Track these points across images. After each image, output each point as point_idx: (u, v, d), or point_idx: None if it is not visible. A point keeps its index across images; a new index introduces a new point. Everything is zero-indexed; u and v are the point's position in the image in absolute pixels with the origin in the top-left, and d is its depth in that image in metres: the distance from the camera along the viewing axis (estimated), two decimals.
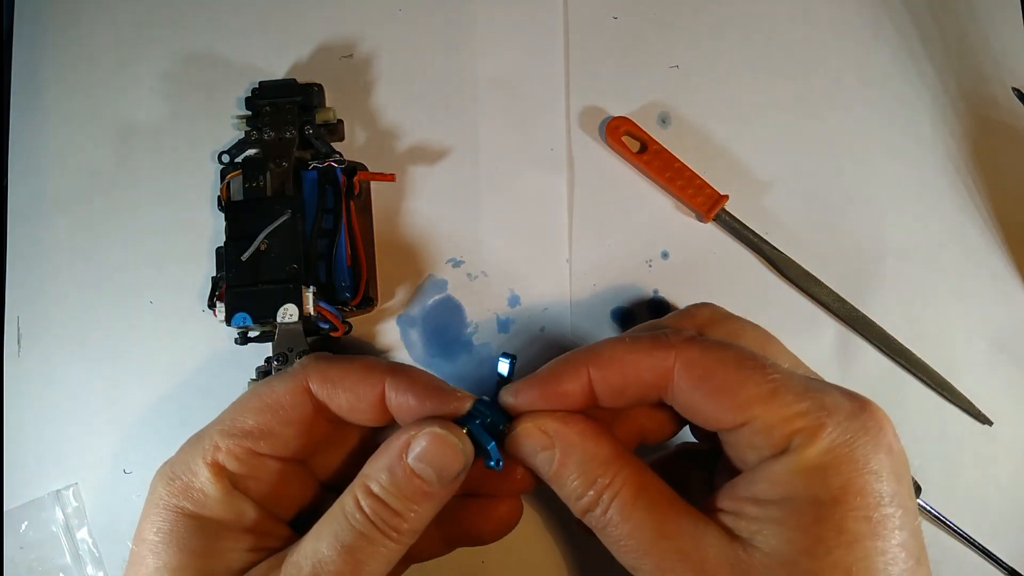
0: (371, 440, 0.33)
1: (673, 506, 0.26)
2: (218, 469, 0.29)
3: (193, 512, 0.28)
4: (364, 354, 0.45)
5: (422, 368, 0.31)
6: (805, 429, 0.24)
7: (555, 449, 0.27)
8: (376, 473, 0.28)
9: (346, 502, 0.28)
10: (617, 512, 0.26)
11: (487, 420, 0.28)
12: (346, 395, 0.29)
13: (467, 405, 0.29)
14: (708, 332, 0.30)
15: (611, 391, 0.28)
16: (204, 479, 0.28)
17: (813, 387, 0.25)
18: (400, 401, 0.29)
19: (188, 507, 0.28)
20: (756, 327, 0.30)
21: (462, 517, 0.32)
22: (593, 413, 0.29)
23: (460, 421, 0.28)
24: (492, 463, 0.28)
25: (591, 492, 0.27)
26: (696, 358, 0.26)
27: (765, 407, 0.25)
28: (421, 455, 0.27)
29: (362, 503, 0.27)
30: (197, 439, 0.30)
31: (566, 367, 0.28)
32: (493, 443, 0.28)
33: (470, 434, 0.28)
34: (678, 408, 0.27)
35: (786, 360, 0.29)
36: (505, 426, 0.29)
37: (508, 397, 0.29)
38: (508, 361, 0.30)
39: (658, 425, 0.31)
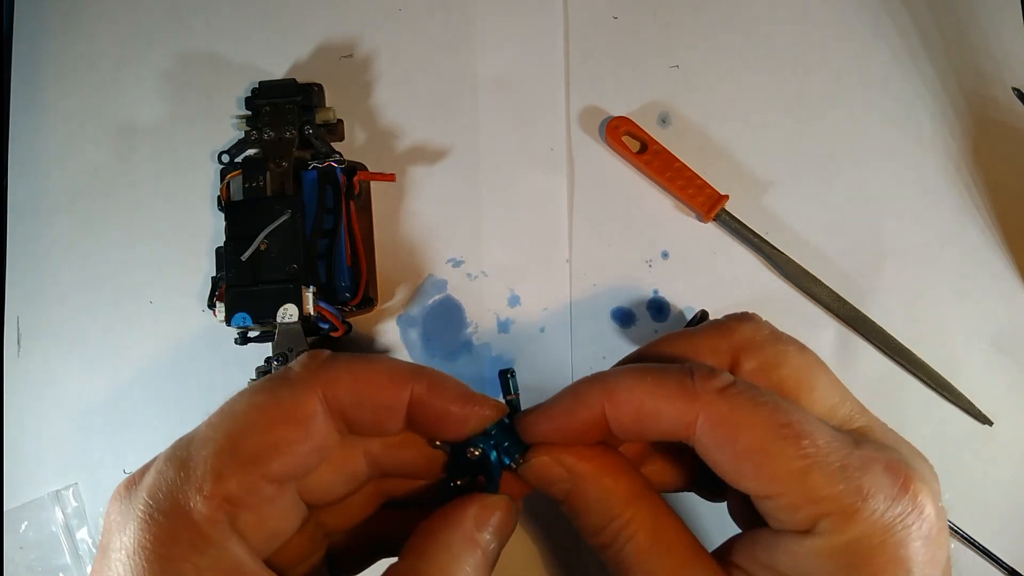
0: (377, 467, 0.28)
1: (690, 555, 0.25)
2: (218, 500, 0.22)
3: (174, 560, 0.21)
4: (365, 353, 0.45)
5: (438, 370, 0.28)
6: (836, 513, 0.22)
7: (571, 483, 0.26)
8: (453, 558, 0.24)
9: None
10: (631, 555, 0.25)
11: (504, 445, 0.26)
12: (372, 405, 0.25)
13: (497, 416, 0.26)
14: (744, 358, 0.26)
15: (626, 432, 0.25)
16: (198, 514, 0.22)
17: (853, 463, 0.22)
18: (429, 408, 0.25)
19: (169, 551, 0.22)
20: (802, 352, 0.26)
21: None
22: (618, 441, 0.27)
23: (478, 441, 0.26)
24: (491, 487, 0.26)
25: (606, 531, 0.25)
26: (723, 416, 0.23)
27: (794, 485, 0.22)
28: (497, 529, 0.25)
29: None
30: (182, 463, 0.23)
31: (578, 401, 0.25)
32: (498, 475, 0.26)
33: (483, 456, 0.26)
34: (701, 456, 0.24)
35: (832, 395, 0.26)
36: (520, 455, 0.26)
37: (522, 427, 0.27)
38: (511, 380, 0.28)
39: (679, 472, 0.29)
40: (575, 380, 0.26)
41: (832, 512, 0.22)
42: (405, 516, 0.29)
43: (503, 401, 0.27)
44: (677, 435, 0.24)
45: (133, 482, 0.23)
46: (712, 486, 0.28)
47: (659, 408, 0.24)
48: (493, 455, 0.26)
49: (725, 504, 0.29)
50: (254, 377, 0.42)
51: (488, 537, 0.24)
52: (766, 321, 0.28)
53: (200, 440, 0.23)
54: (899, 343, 0.44)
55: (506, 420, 0.27)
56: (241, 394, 0.24)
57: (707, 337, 0.27)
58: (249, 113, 0.44)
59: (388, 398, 0.25)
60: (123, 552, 0.22)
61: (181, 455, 0.23)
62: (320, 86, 0.46)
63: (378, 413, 0.25)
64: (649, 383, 0.24)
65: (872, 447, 0.23)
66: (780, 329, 0.27)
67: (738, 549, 0.25)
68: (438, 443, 0.26)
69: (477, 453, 0.26)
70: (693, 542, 0.25)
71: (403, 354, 0.45)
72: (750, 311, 0.28)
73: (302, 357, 0.25)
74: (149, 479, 0.23)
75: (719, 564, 0.25)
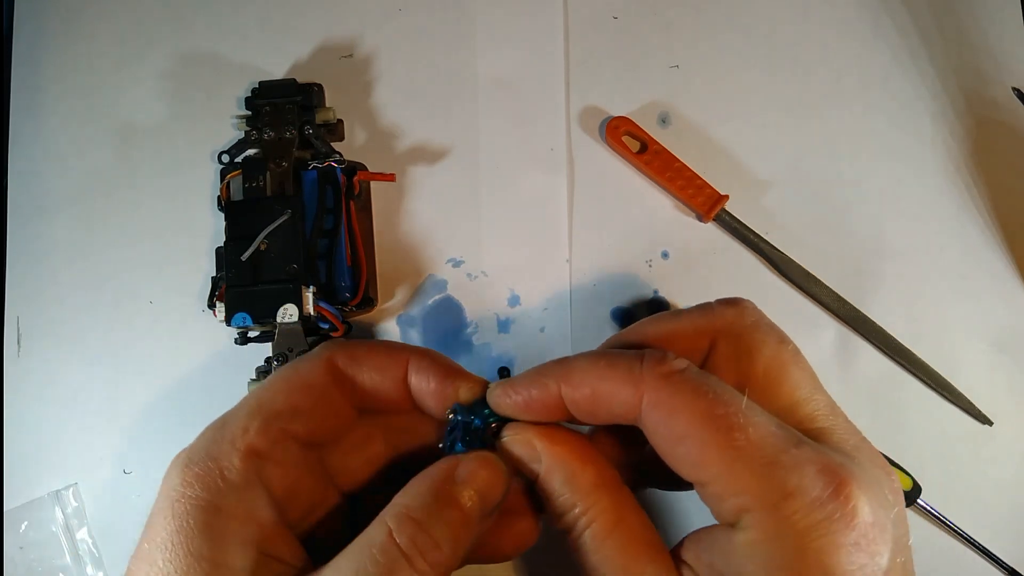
0: (395, 448, 0.31)
1: (644, 549, 0.25)
2: (247, 451, 0.26)
3: (207, 502, 0.25)
4: None
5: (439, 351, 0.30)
6: (757, 508, 0.22)
7: (540, 464, 0.26)
8: (417, 498, 0.25)
9: (375, 533, 0.24)
10: (588, 542, 0.25)
11: (484, 414, 0.28)
12: (371, 372, 0.29)
13: (479, 390, 0.28)
14: (721, 342, 0.27)
15: (582, 412, 0.26)
16: (228, 463, 0.26)
17: (784, 461, 0.22)
18: (421, 379, 0.28)
19: (203, 496, 0.25)
20: (780, 343, 0.26)
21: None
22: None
23: (460, 412, 0.28)
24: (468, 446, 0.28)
25: (568, 515, 0.26)
26: (663, 400, 0.24)
27: (719, 474, 0.22)
28: (469, 478, 0.25)
29: (397, 534, 0.24)
30: (221, 424, 0.27)
31: (538, 379, 0.26)
32: (475, 436, 0.28)
33: (465, 427, 0.28)
34: (648, 440, 0.25)
35: (800, 391, 0.26)
36: (495, 423, 0.28)
37: (491, 398, 0.28)
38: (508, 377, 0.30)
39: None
40: (532, 369, 0.27)
41: (753, 507, 0.22)
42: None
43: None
44: (625, 418, 0.25)
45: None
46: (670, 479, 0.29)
47: (609, 390, 0.25)
48: (474, 419, 0.28)
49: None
50: (254, 377, 0.42)
51: (470, 493, 0.25)
52: (754, 308, 0.28)
53: (239, 405, 0.28)
54: (899, 343, 0.44)
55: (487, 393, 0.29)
56: (276, 370, 0.31)
57: (690, 318, 0.28)
58: (249, 113, 0.44)
59: (388, 368, 0.29)
60: (162, 498, 0.26)
61: (223, 418, 0.28)
62: (320, 86, 0.46)
63: (378, 382, 0.29)
64: (602, 367, 0.25)
65: (812, 449, 0.23)
66: (769, 319, 0.27)
67: (687, 546, 0.25)
68: (449, 415, 0.28)
69: (450, 416, 0.28)
70: (652, 537, 0.25)
71: None
72: (742, 297, 0.28)
73: (323, 344, 0.30)
74: (197, 441, 0.27)
75: (673, 561, 0.25)
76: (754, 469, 0.22)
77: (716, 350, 0.27)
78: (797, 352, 0.27)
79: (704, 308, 0.28)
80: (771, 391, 0.25)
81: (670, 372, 0.24)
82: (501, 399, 0.27)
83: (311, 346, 0.40)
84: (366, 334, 0.45)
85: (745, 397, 0.23)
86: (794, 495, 0.21)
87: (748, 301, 0.28)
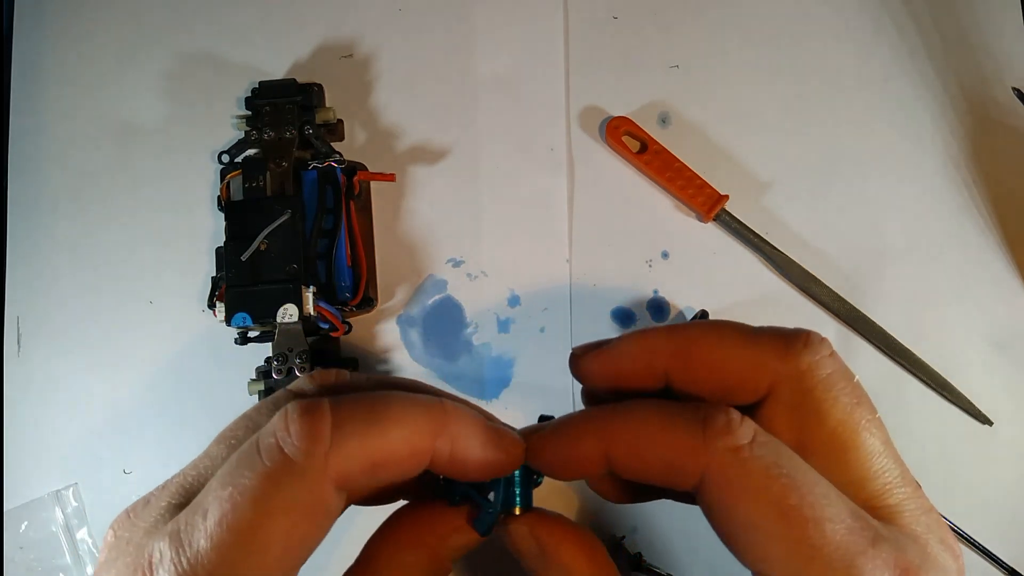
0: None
1: None
2: None
3: None
4: (358, 355, 0.45)
5: (463, 400, 0.24)
6: None
7: (540, 563, 0.23)
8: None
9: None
10: None
11: (511, 489, 0.24)
12: (389, 479, 0.21)
13: (517, 466, 0.24)
14: (786, 390, 0.22)
15: (628, 473, 0.22)
16: None
17: (859, 564, 0.19)
18: (456, 464, 0.22)
19: None
20: (856, 406, 0.22)
21: None
22: None
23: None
24: (479, 525, 0.24)
25: None
26: (728, 480, 0.20)
27: (788, 574, 0.20)
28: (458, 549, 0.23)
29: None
30: (186, 569, 0.19)
31: (581, 435, 0.23)
32: (493, 520, 0.24)
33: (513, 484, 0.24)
34: (702, 510, 0.22)
35: (872, 462, 0.22)
36: (521, 506, 0.24)
37: (530, 452, 0.24)
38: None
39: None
40: (578, 410, 0.24)
41: None
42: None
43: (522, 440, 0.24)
44: (681, 486, 0.21)
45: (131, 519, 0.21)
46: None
47: (663, 457, 0.21)
48: (495, 499, 0.24)
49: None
50: (254, 377, 0.42)
51: (452, 552, 0.23)
52: (829, 353, 0.23)
53: (204, 552, 0.19)
54: (899, 343, 0.44)
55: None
56: (241, 493, 0.19)
57: (753, 350, 0.23)
58: (249, 113, 0.44)
59: (409, 465, 0.21)
60: None
61: (183, 558, 0.19)
62: (320, 86, 0.46)
63: (395, 477, 0.22)
64: (655, 428, 0.21)
65: (890, 546, 0.20)
66: (844, 367, 0.23)
67: None
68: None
69: (491, 498, 0.24)
70: None
71: (403, 354, 0.45)
72: (815, 333, 0.23)
73: (299, 434, 0.20)
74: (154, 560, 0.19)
75: None
76: (831, 573, 0.19)
77: (775, 396, 0.23)
78: (872, 411, 0.23)
79: (771, 339, 0.23)
80: (839, 459, 0.22)
81: (739, 446, 0.20)
82: (538, 456, 0.23)
83: (311, 346, 0.40)
84: (366, 334, 0.45)
85: (823, 482, 0.21)
86: None
87: (823, 341, 0.23)
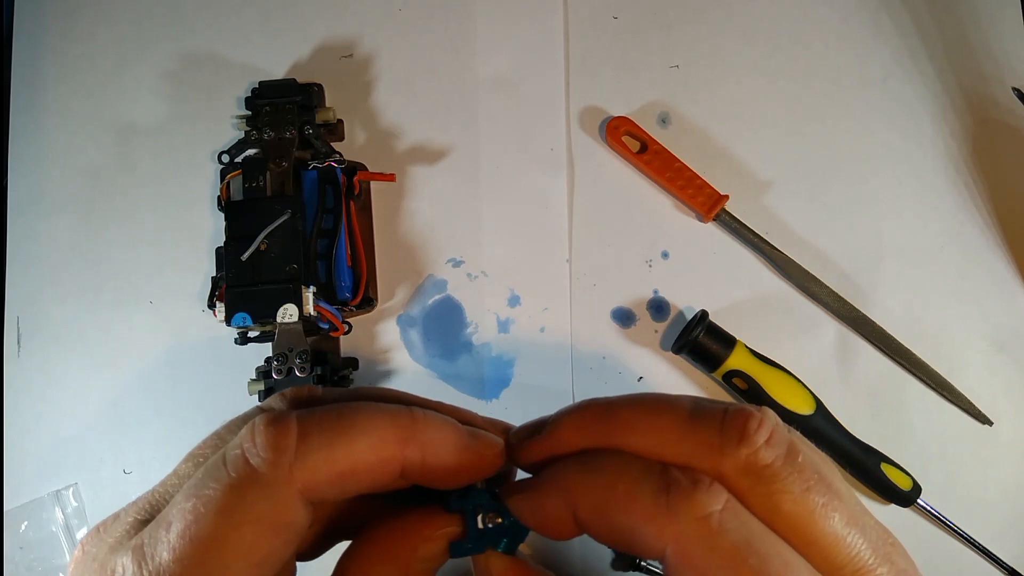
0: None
1: None
2: None
3: None
4: (358, 355, 0.45)
5: (437, 404, 0.24)
6: None
7: None
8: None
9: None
10: None
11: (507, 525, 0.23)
12: (356, 489, 0.21)
13: (499, 461, 0.23)
14: (733, 483, 0.20)
15: (600, 538, 0.21)
16: None
17: None
18: (428, 472, 0.22)
19: None
20: (807, 491, 0.20)
21: None
22: None
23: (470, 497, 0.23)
24: (468, 545, 0.23)
25: None
26: (694, 554, 0.19)
27: None
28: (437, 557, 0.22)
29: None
30: None
31: (549, 493, 0.21)
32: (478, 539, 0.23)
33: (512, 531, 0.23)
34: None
35: (843, 532, 0.20)
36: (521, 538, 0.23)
37: (507, 500, 0.23)
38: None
39: None
40: (547, 470, 0.22)
41: None
42: (365, 502, 0.26)
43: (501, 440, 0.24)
44: (649, 555, 0.20)
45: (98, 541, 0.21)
46: None
47: (629, 524, 0.20)
48: (479, 519, 0.23)
49: None
50: (254, 377, 0.42)
51: (423, 565, 0.22)
52: (772, 435, 0.20)
53: (166, 565, 0.19)
54: (899, 343, 0.44)
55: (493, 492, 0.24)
56: (205, 504, 0.19)
57: (699, 441, 0.20)
58: (249, 113, 0.44)
59: (377, 475, 0.21)
60: None
61: (144, 572, 0.19)
62: (320, 86, 0.46)
63: (365, 488, 0.21)
64: (619, 494, 0.20)
65: None
66: (798, 446, 0.20)
67: None
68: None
69: (499, 520, 0.23)
70: None
71: (403, 354, 0.45)
72: (754, 413, 0.20)
73: (263, 446, 0.20)
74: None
75: None
76: None
77: (725, 483, 0.20)
78: (827, 491, 0.20)
79: (707, 432, 0.20)
80: (805, 549, 0.20)
81: (706, 515, 0.19)
82: (514, 510, 0.23)
83: (311, 346, 0.40)
84: (366, 334, 0.45)
85: (799, 563, 0.19)
86: None
87: (761, 425, 0.20)
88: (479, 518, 0.23)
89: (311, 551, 0.25)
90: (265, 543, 0.19)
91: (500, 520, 0.23)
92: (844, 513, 0.20)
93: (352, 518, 0.25)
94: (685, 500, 0.19)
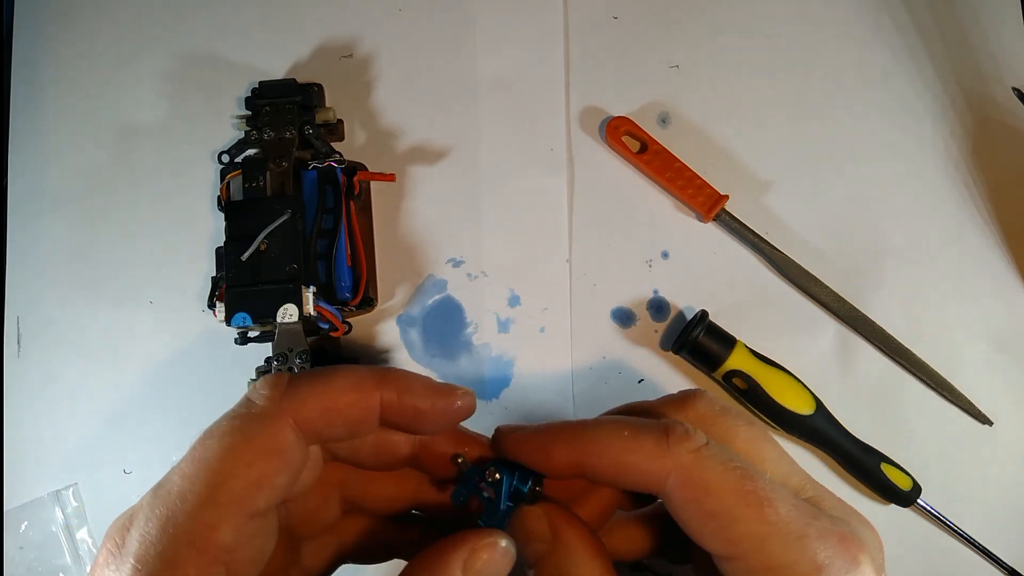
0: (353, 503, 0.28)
1: None
2: (215, 558, 0.21)
3: None
4: (358, 355, 0.45)
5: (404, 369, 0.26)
6: None
7: (549, 547, 0.25)
8: None
9: None
10: None
11: (514, 481, 0.26)
12: (342, 422, 0.24)
13: (466, 406, 0.26)
14: (705, 427, 0.26)
15: (601, 479, 0.25)
16: (192, 572, 0.21)
17: (811, 533, 0.23)
18: (406, 410, 0.25)
19: None
20: (751, 426, 0.27)
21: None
22: None
23: (491, 470, 0.26)
24: (490, 519, 0.26)
25: None
26: (693, 476, 0.23)
27: (754, 551, 0.23)
28: (482, 570, 0.24)
29: None
30: (166, 522, 0.22)
31: (558, 441, 0.25)
32: (505, 506, 0.26)
33: (497, 483, 0.26)
34: (670, 512, 0.25)
35: (783, 466, 0.26)
36: (536, 485, 0.26)
37: (503, 440, 0.26)
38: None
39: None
40: (556, 421, 0.26)
41: None
42: (369, 522, 0.29)
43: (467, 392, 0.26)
44: (649, 488, 0.24)
45: (117, 546, 0.22)
46: (677, 550, 0.29)
47: (634, 462, 0.24)
48: (506, 483, 0.26)
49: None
50: (254, 377, 0.42)
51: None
52: (715, 396, 0.28)
53: (179, 493, 0.22)
54: (899, 343, 0.44)
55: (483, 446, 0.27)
56: (210, 436, 0.23)
57: (667, 410, 0.27)
58: (249, 113, 0.44)
59: (358, 411, 0.24)
60: None
61: (163, 512, 0.22)
62: (320, 86, 0.46)
63: (351, 426, 0.25)
64: (626, 438, 0.24)
65: (827, 519, 0.24)
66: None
67: None
68: (460, 460, 0.26)
69: (497, 476, 0.26)
70: None
71: (403, 354, 0.45)
72: (691, 391, 0.28)
73: (261, 385, 0.24)
74: (134, 543, 0.21)
75: None
76: (788, 543, 0.23)
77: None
78: (765, 430, 0.27)
79: (675, 399, 0.28)
80: (755, 453, 0.26)
81: (698, 447, 0.24)
82: (514, 445, 0.26)
83: (311, 346, 0.40)
84: (366, 334, 0.45)
85: (766, 473, 0.24)
86: (825, 568, 0.22)
87: (705, 391, 0.28)
88: (482, 486, 0.26)
89: (325, 568, 0.28)
90: (262, 465, 0.22)
91: (499, 476, 0.25)
92: (778, 444, 0.27)
93: (375, 539, 0.29)
94: (682, 439, 0.24)
